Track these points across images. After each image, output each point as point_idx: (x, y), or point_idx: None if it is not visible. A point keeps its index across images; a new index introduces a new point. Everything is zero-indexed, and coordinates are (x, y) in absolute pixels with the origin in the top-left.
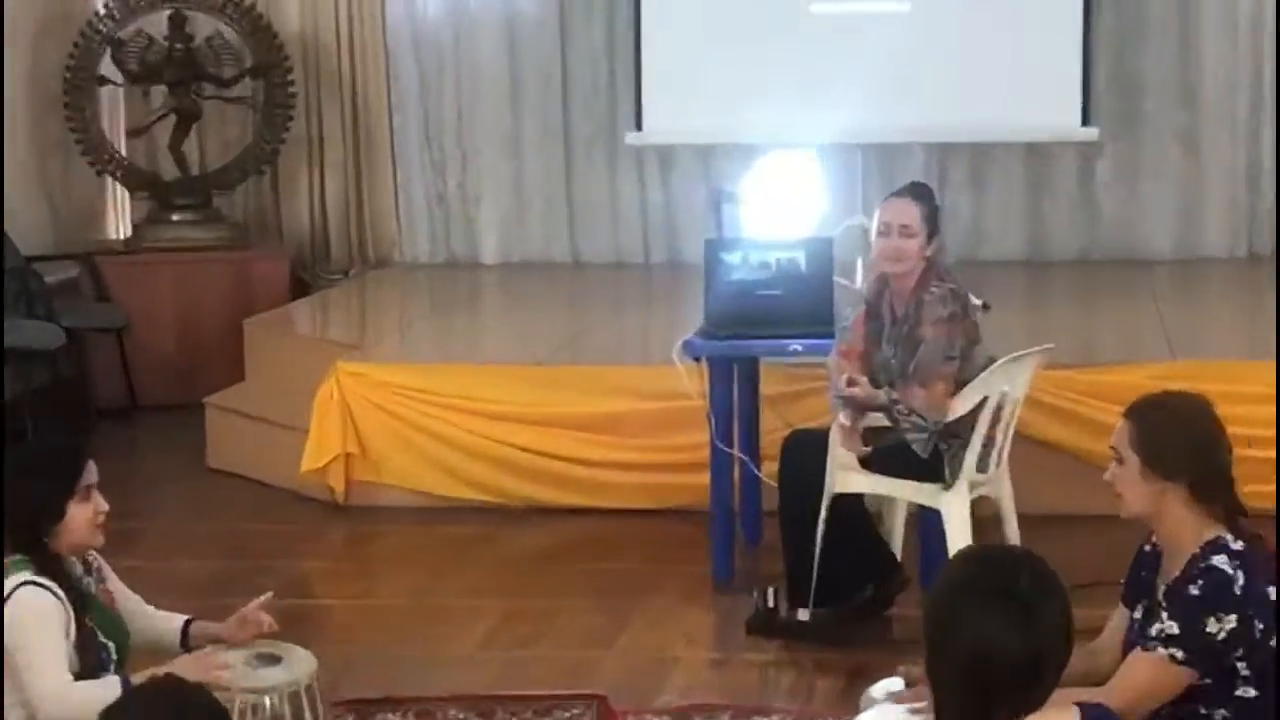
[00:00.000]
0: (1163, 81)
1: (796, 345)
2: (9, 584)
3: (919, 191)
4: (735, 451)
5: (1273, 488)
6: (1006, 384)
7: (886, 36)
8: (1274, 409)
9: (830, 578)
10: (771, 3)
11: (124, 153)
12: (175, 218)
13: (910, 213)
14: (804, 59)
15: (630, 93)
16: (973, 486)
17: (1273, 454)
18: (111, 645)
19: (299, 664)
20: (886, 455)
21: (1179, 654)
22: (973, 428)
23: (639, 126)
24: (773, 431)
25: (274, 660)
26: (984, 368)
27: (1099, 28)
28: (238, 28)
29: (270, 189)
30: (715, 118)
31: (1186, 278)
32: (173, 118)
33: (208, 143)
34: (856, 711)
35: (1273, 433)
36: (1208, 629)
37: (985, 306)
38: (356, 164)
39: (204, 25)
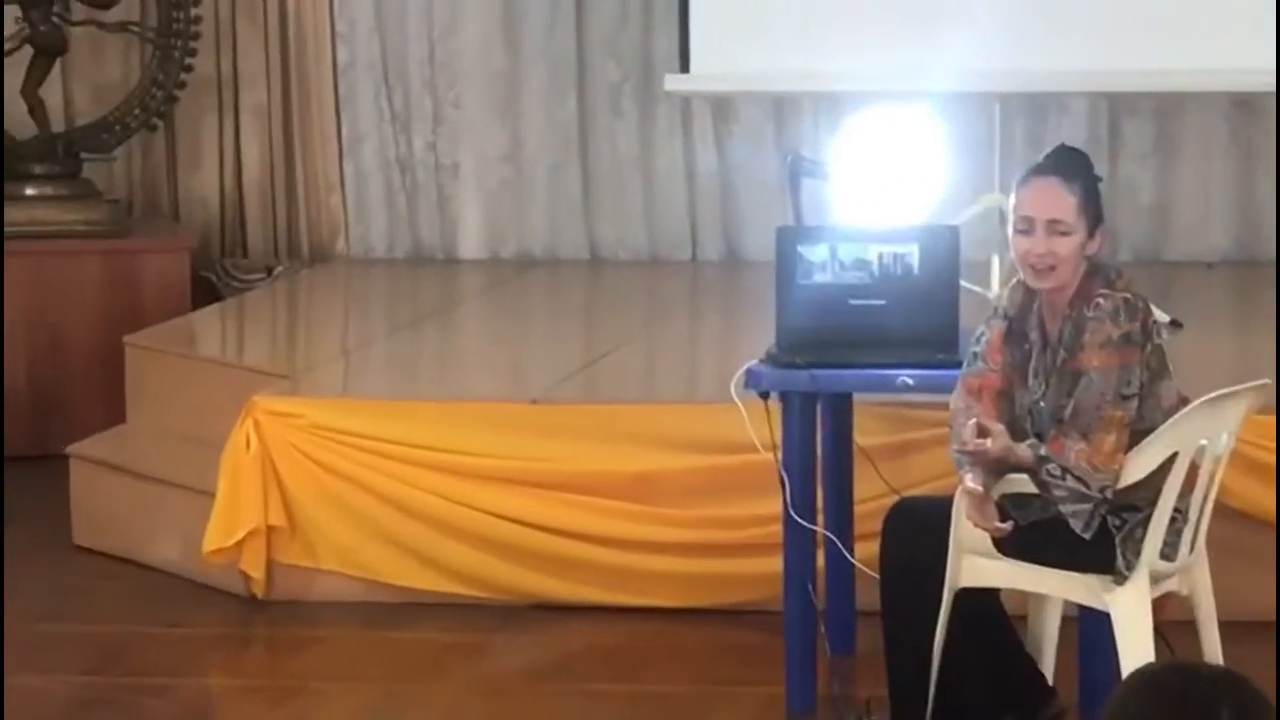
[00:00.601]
0: None
1: (906, 377)
2: None
3: (1072, 165)
4: (818, 527)
5: None
6: (1205, 435)
7: None
8: None
9: (952, 705)
10: None
11: None
12: (29, 192)
13: (1061, 201)
14: None
15: (671, 19)
16: (1155, 579)
17: None
18: None
19: None
20: (1033, 535)
21: None
22: (1156, 497)
23: (685, 68)
24: (872, 499)
25: None
26: (1172, 412)
27: None
28: None
29: (164, 152)
30: (791, 56)
31: None
32: (26, 50)
33: (76, 86)
34: None
35: None
36: None
37: (1175, 325)
38: (286, 117)
39: None
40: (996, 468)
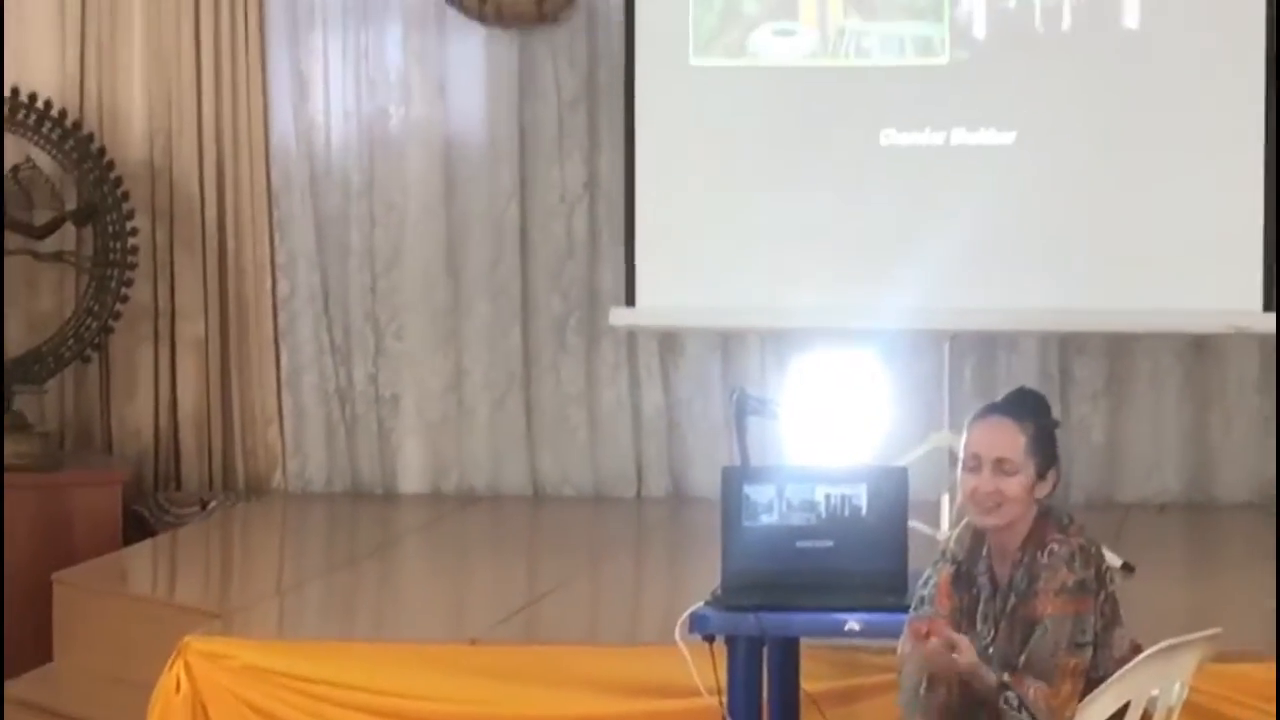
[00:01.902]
0: None
1: (853, 622)
2: None
3: (1023, 405)
4: None
5: None
6: (1157, 684)
7: (984, 179)
8: None
9: None
10: (823, 130)
11: None
12: None
13: (1009, 440)
14: (869, 209)
15: (617, 253)
16: None
17: None
18: None
19: None
20: None
21: None
22: None
23: (630, 302)
24: None
25: None
26: (1125, 660)
27: None
28: (58, 154)
29: (98, 384)
30: (738, 291)
31: None
32: None
33: (8, 316)
34: None
35: None
36: None
37: (1127, 569)
38: (224, 347)
39: (10, 150)
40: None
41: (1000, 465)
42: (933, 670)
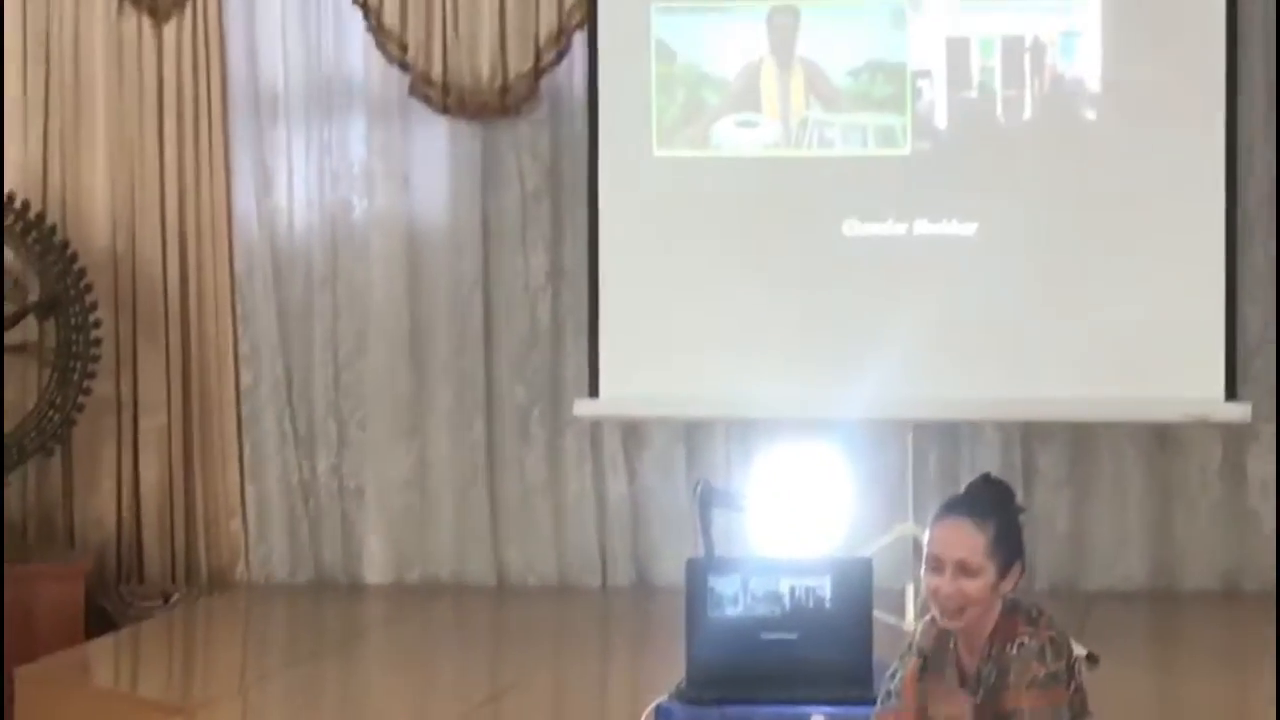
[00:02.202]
0: None
1: (818, 715)
2: None
3: (987, 501)
4: None
5: None
6: None
7: (946, 269)
8: None
9: None
10: (786, 220)
11: None
12: None
13: (970, 541)
14: (832, 299)
15: (581, 343)
16: None
17: None
18: None
19: None
20: None
21: None
22: None
23: (594, 392)
24: None
25: None
26: None
27: (1249, 260)
28: (19, 246)
29: (60, 475)
30: (702, 381)
31: None
32: None
33: None
34: None
35: None
36: None
37: (1092, 660)
38: (186, 439)
39: None
40: None
41: (962, 567)
42: None
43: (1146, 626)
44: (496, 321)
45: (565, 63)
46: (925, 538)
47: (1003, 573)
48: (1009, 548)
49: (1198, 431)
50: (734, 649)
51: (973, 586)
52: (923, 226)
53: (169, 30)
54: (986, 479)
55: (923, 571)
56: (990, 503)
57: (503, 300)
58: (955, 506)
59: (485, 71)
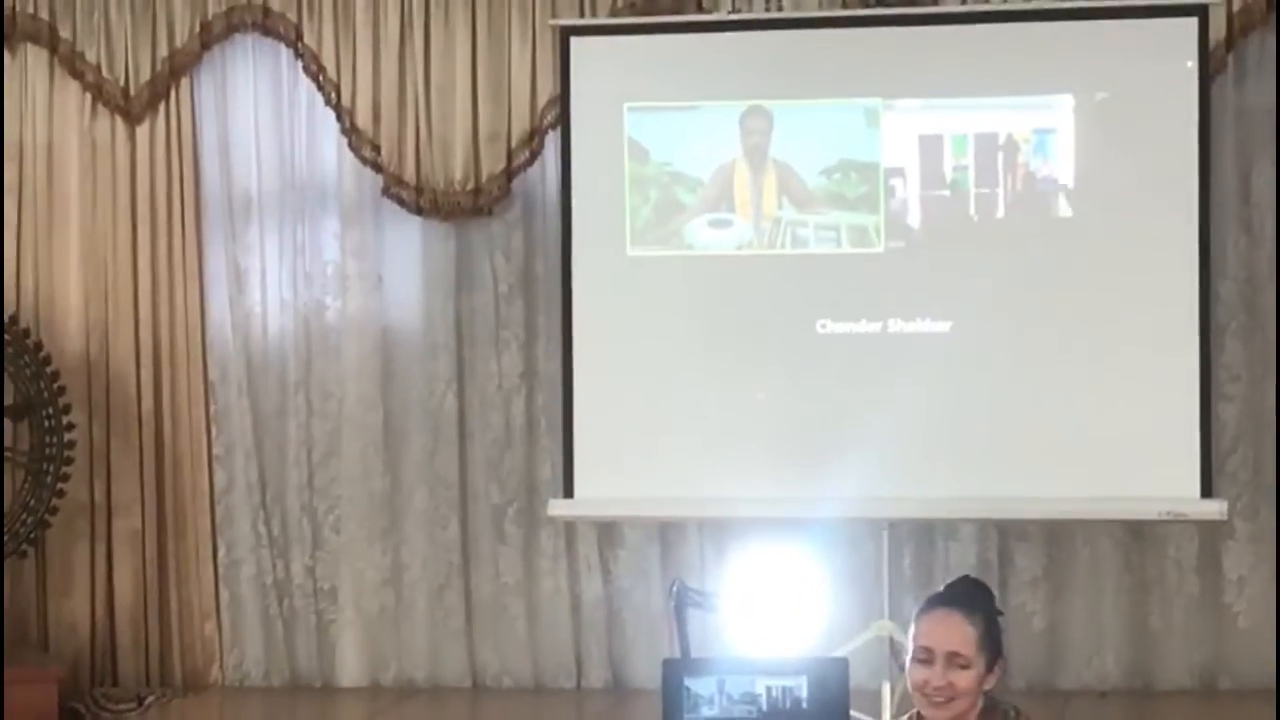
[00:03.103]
0: None
1: None
2: None
3: (974, 597)
4: None
5: None
6: None
7: (921, 367)
8: None
9: None
10: (760, 320)
11: None
12: None
13: (962, 632)
14: (806, 398)
15: (555, 444)
16: None
17: None
18: None
19: None
20: None
21: None
22: None
23: (568, 492)
24: None
25: None
26: None
27: (1223, 358)
28: None
29: (34, 579)
30: (676, 481)
31: None
32: None
33: None
34: None
35: None
36: None
37: None
38: (160, 541)
39: None
40: None
41: (954, 659)
42: None
43: None
44: (470, 421)
45: (538, 162)
46: (910, 632)
47: (989, 667)
48: (994, 643)
49: (1174, 528)
50: None
51: (963, 679)
52: (897, 325)
53: (142, 132)
54: (968, 579)
55: (907, 665)
56: (977, 599)
57: (476, 400)
58: (945, 600)
59: (458, 172)
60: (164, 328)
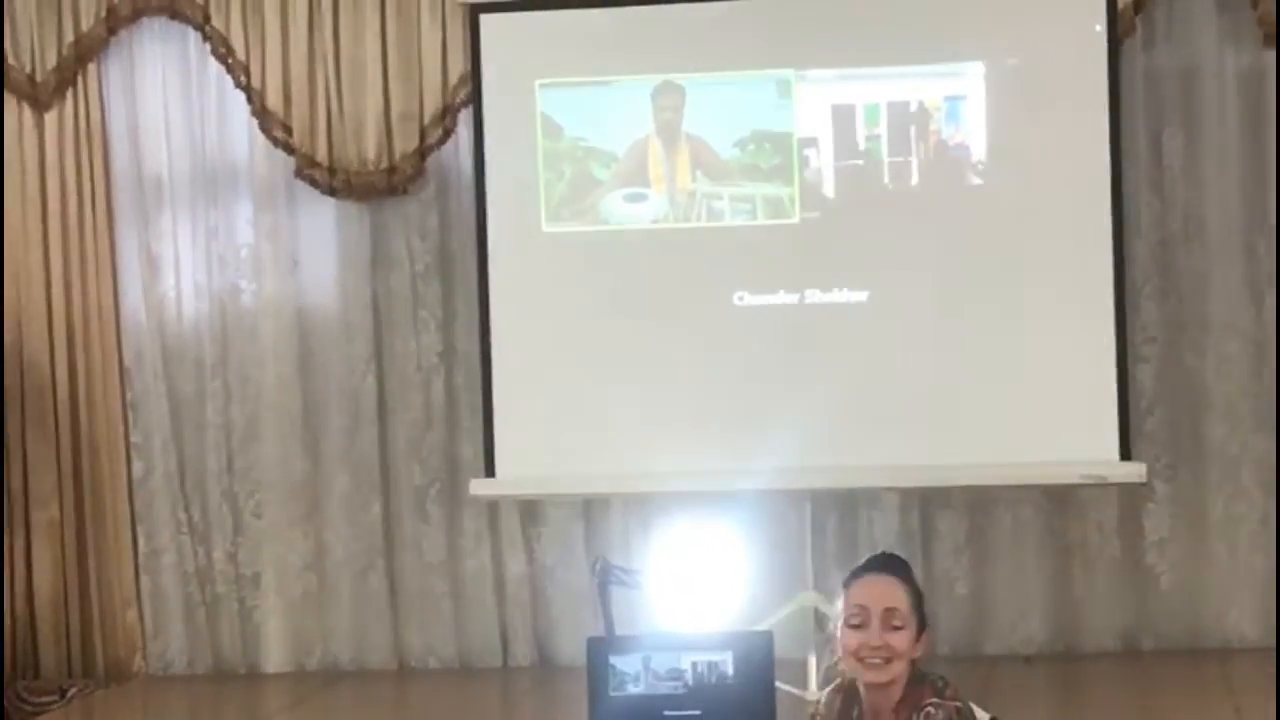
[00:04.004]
0: (1231, 394)
1: None
2: None
3: (900, 565)
4: None
5: None
6: None
7: (839, 337)
8: None
9: None
10: (678, 293)
11: None
12: None
13: (895, 592)
14: (725, 371)
15: (477, 423)
16: None
17: None
18: None
19: None
20: None
21: None
22: None
23: (490, 471)
24: None
25: None
26: None
27: (1139, 320)
28: None
29: None
30: (598, 458)
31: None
32: None
33: None
34: None
35: None
36: None
37: None
38: (79, 531)
39: None
40: None
41: (890, 617)
42: None
43: (1049, 688)
44: (390, 403)
45: (452, 141)
46: (840, 601)
47: (918, 634)
48: (920, 612)
49: (1094, 492)
50: None
51: (899, 639)
52: (814, 295)
53: (50, 119)
54: (888, 555)
55: (839, 631)
56: (904, 568)
57: (396, 381)
58: (874, 566)
59: (371, 152)
60: (77, 316)
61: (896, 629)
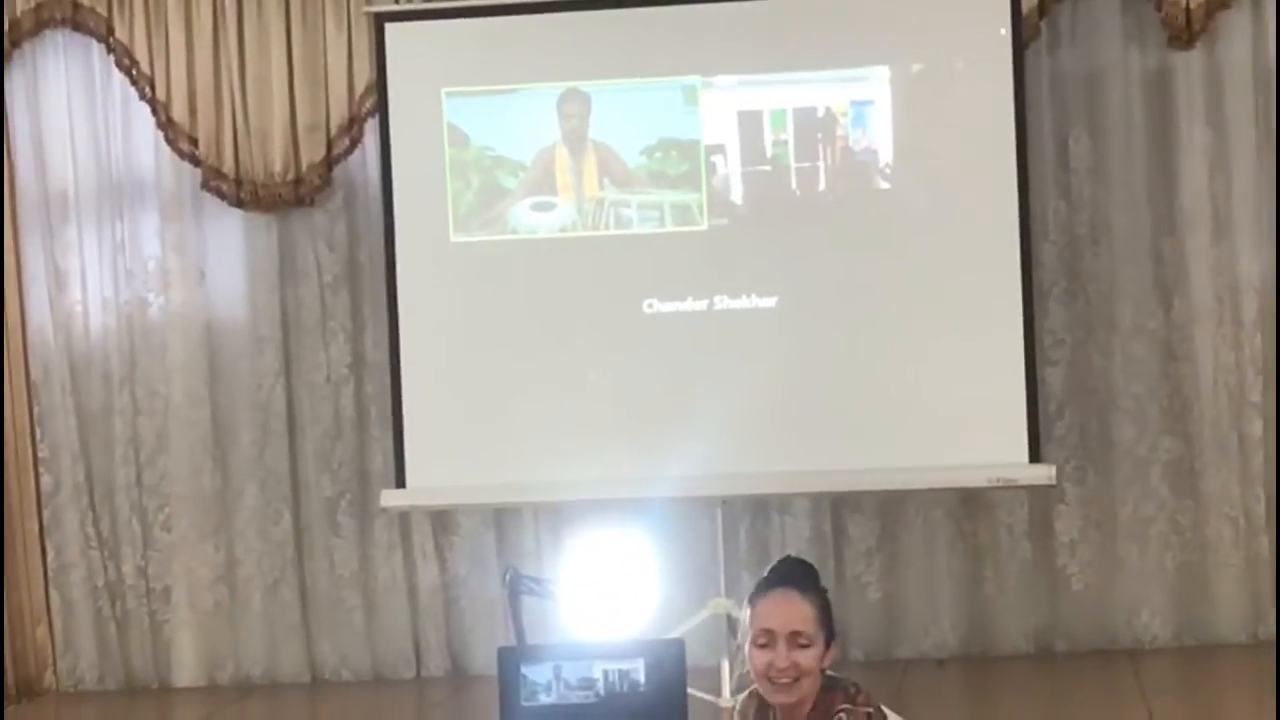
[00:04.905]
0: (1141, 395)
1: None
2: None
3: (806, 577)
4: None
5: None
6: None
7: (749, 344)
8: None
9: None
10: (586, 302)
11: None
12: None
13: (800, 612)
14: (635, 379)
15: (387, 433)
16: None
17: None
18: None
19: None
20: None
21: None
22: None
23: (400, 481)
24: None
25: None
26: None
27: (1047, 323)
28: None
29: None
30: (508, 467)
31: (1190, 671)
32: None
33: None
34: None
35: None
36: None
37: None
38: None
39: None
40: None
41: (796, 638)
42: None
43: (962, 692)
44: (300, 414)
45: (359, 151)
46: (747, 613)
47: (825, 646)
48: (829, 621)
49: (1005, 494)
50: None
51: (806, 658)
52: (723, 302)
53: None
54: (794, 559)
55: (747, 648)
56: (810, 578)
57: (305, 392)
58: (779, 580)
59: (278, 163)
60: None
61: (803, 647)
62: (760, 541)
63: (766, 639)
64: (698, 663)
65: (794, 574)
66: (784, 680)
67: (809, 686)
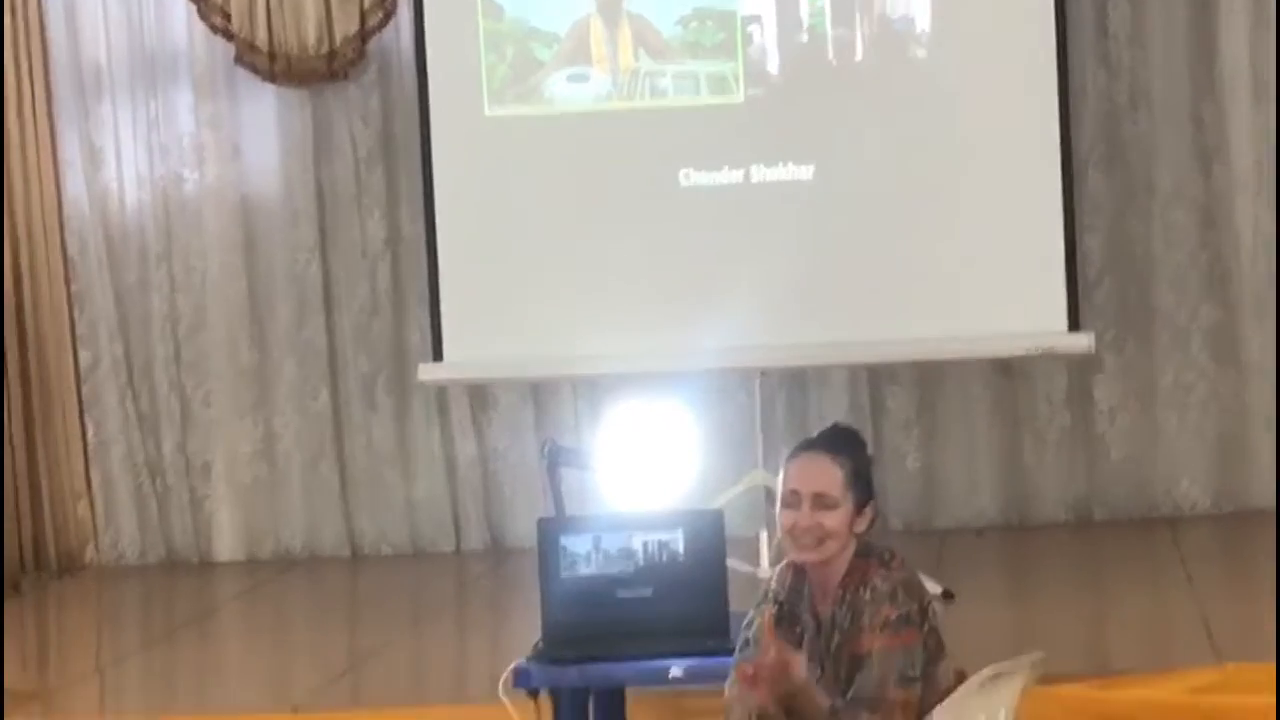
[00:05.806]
0: (1180, 263)
1: (677, 668)
2: None
3: (839, 440)
4: None
5: None
6: (983, 712)
7: (785, 214)
8: None
9: None
10: (622, 173)
11: None
12: None
13: (827, 474)
14: (672, 250)
15: (424, 308)
16: None
17: None
18: None
19: None
20: None
21: None
22: None
23: (438, 356)
24: None
25: None
26: (949, 693)
27: (1086, 190)
28: None
29: None
30: (546, 341)
31: (1229, 540)
32: None
33: None
34: None
35: None
36: None
37: (947, 596)
38: (27, 423)
39: None
40: (790, 702)
41: (819, 500)
42: (761, 707)
43: (1000, 560)
44: (336, 290)
45: (392, 24)
46: (779, 479)
47: (858, 509)
48: (863, 485)
49: (1043, 364)
50: (590, 607)
51: (830, 519)
52: (759, 172)
53: None
54: (837, 426)
55: (778, 510)
56: (843, 442)
57: (341, 268)
58: (810, 444)
59: (311, 37)
60: (19, 208)
61: (828, 509)
62: (798, 414)
63: (793, 499)
64: (737, 534)
65: (827, 439)
66: (806, 540)
67: (834, 548)
